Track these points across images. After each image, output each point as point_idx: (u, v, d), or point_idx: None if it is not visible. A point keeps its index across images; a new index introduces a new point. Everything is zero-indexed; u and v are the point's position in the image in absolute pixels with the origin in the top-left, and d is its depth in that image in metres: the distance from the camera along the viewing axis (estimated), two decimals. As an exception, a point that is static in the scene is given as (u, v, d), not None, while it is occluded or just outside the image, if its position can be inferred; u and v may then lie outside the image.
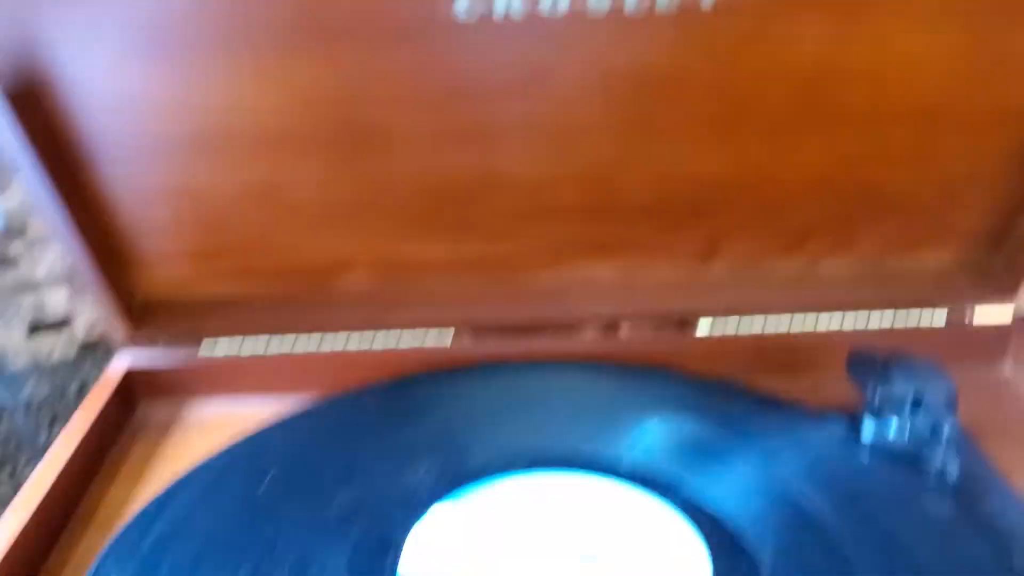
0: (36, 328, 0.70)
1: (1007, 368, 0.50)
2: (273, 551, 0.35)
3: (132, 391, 0.49)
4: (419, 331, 0.51)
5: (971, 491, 0.38)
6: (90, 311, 0.71)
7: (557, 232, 0.48)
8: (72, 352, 0.71)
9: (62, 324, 0.71)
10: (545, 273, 0.50)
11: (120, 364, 0.49)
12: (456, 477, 0.40)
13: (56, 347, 0.71)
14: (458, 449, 0.42)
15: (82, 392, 0.69)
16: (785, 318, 0.51)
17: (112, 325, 0.48)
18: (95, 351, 0.72)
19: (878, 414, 0.42)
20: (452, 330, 0.51)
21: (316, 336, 0.51)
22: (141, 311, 0.49)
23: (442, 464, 0.41)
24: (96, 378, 0.49)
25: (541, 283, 0.50)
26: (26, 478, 0.40)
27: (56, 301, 0.69)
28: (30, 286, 0.68)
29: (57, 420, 0.76)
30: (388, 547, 0.36)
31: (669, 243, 0.49)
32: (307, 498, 0.39)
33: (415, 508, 0.38)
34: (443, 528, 0.37)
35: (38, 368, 0.70)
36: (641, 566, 0.35)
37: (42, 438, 0.76)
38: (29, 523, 0.38)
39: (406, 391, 0.47)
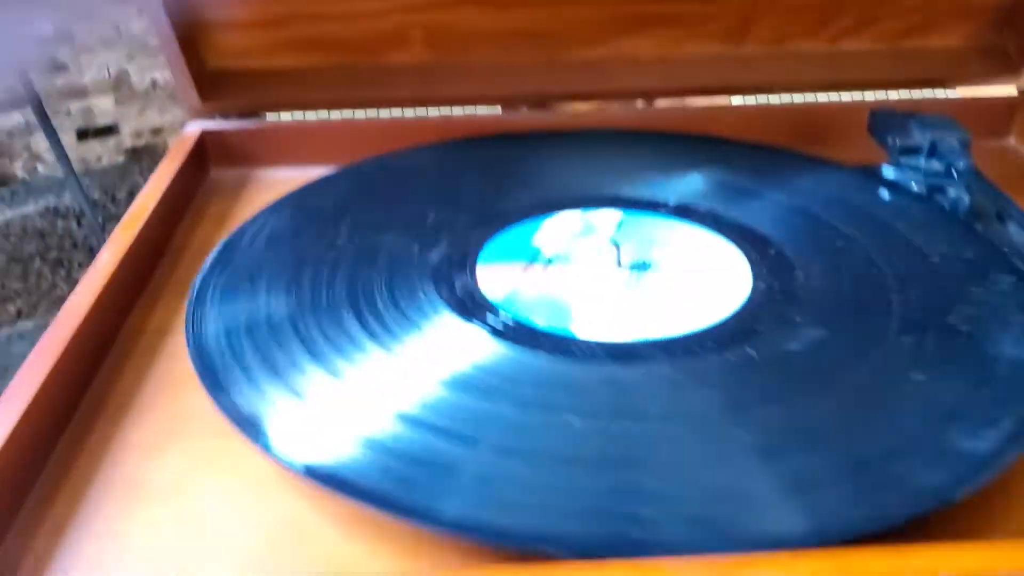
0: (84, 134, 0.73)
1: (1012, 139, 0.54)
2: (369, 257, 0.40)
3: (205, 155, 0.53)
4: (469, 108, 0.55)
5: (983, 216, 0.43)
6: (136, 118, 0.74)
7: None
8: (120, 158, 0.75)
9: (109, 131, 0.73)
10: (588, 48, 0.53)
11: (193, 129, 0.53)
12: (525, 208, 0.44)
13: (105, 153, 0.74)
14: (524, 190, 0.46)
15: (131, 196, 0.73)
16: (810, 96, 0.55)
17: (185, 94, 0.52)
18: (141, 159, 0.75)
19: (898, 162, 0.46)
20: (499, 107, 0.54)
21: (373, 112, 0.54)
22: (211, 81, 0.52)
23: (511, 199, 0.45)
24: (144, 183, 0.52)
25: (585, 57, 0.53)
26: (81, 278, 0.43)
27: (103, 108, 0.72)
28: (78, 92, 0.71)
29: (108, 223, 0.80)
30: (466, 258, 0.40)
31: (704, 18, 0.52)
32: (392, 216, 0.43)
33: (491, 226, 0.42)
34: (512, 243, 0.42)
35: (88, 173, 0.73)
36: (686, 269, 0.39)
37: (94, 240, 0.80)
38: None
39: (476, 145, 0.51)
